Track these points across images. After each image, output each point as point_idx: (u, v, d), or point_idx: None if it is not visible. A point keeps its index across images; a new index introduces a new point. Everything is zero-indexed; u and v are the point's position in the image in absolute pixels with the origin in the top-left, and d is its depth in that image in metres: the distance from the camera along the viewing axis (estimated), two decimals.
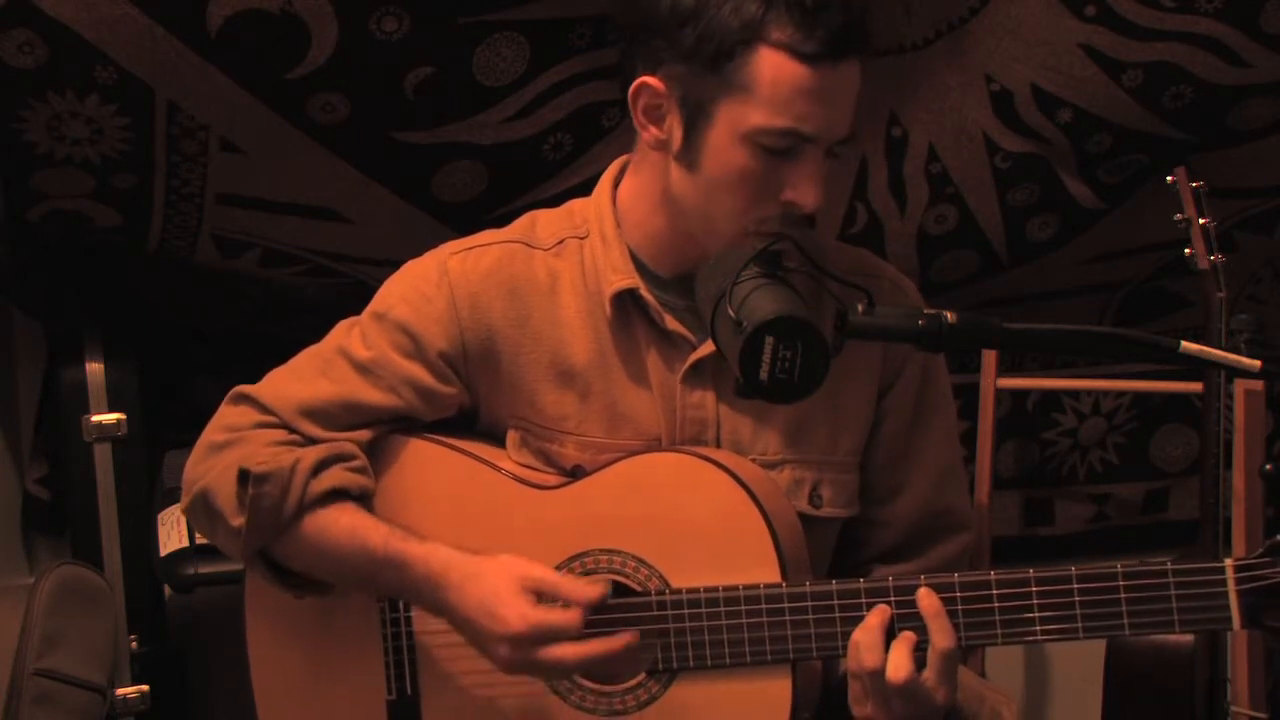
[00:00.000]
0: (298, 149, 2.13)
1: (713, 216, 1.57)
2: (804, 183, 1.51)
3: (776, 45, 1.49)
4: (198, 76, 2.02)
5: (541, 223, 1.71)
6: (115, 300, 2.39)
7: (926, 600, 1.47)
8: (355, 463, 1.61)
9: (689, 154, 1.56)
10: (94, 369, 2.28)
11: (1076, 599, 1.47)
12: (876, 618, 1.48)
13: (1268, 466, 2.13)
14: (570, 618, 1.49)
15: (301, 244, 2.29)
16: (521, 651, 1.50)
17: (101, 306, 2.37)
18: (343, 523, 1.58)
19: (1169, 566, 1.45)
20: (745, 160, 1.52)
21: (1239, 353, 1.41)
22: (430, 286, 1.65)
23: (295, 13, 1.98)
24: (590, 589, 1.51)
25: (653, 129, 1.59)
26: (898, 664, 1.46)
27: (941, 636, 1.46)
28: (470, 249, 1.68)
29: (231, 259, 2.29)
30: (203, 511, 1.62)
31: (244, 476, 1.56)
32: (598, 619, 1.52)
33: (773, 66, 1.49)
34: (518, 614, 1.49)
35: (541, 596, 1.51)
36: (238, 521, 1.57)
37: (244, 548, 1.59)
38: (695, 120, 1.54)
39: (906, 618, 1.48)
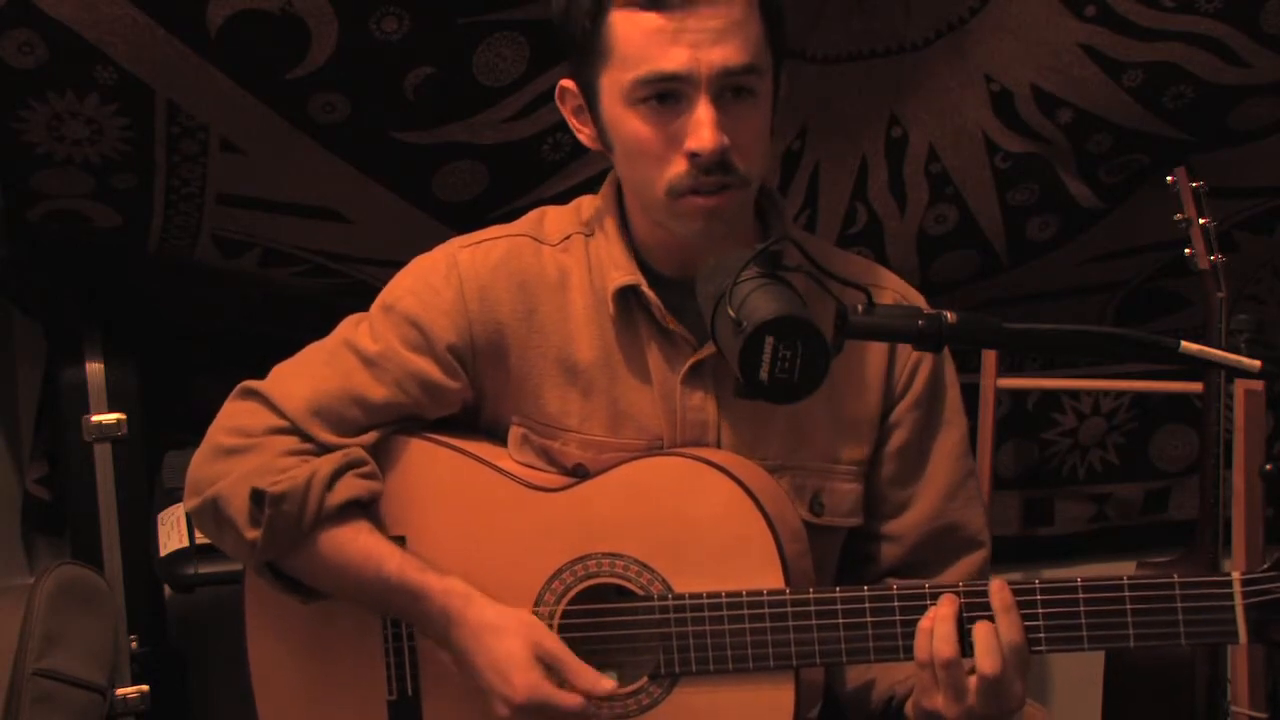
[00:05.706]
0: (298, 149, 2.13)
1: (641, 190, 1.59)
2: (695, 127, 1.51)
3: (622, 5, 1.53)
4: (198, 76, 2.02)
5: (550, 218, 1.71)
6: (115, 300, 2.39)
7: (1000, 595, 1.47)
8: (366, 468, 1.61)
9: (604, 138, 1.60)
10: (94, 369, 2.28)
11: (1082, 609, 1.46)
12: (949, 607, 1.47)
13: (1268, 466, 2.13)
14: (574, 702, 1.51)
15: (301, 244, 2.29)
16: (519, 717, 1.52)
17: (101, 306, 2.37)
18: (359, 544, 1.58)
19: (1176, 579, 1.45)
20: (637, 124, 1.54)
21: (1239, 353, 1.40)
22: (439, 279, 1.65)
23: (295, 13, 1.98)
24: (601, 682, 1.52)
25: (584, 129, 1.63)
26: (987, 654, 1.45)
27: (1013, 631, 1.46)
28: (479, 243, 1.67)
29: (231, 259, 2.29)
30: (211, 517, 1.61)
31: (259, 497, 1.55)
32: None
33: (623, 24, 1.53)
34: (527, 683, 1.51)
35: (551, 671, 1.52)
36: (252, 535, 1.56)
37: (256, 560, 1.59)
38: (593, 104, 1.59)
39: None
